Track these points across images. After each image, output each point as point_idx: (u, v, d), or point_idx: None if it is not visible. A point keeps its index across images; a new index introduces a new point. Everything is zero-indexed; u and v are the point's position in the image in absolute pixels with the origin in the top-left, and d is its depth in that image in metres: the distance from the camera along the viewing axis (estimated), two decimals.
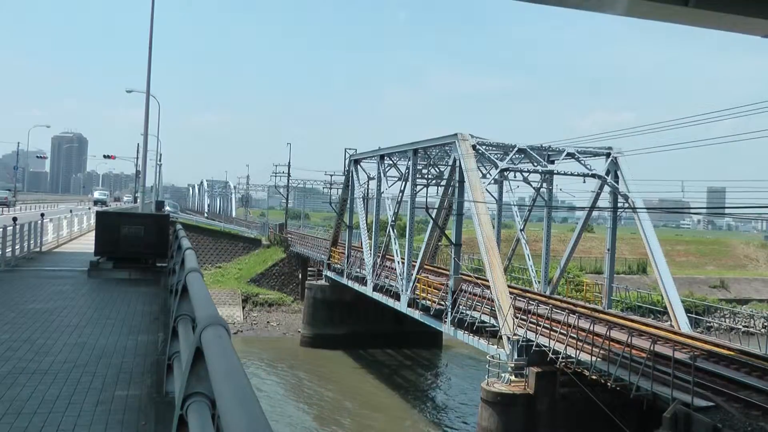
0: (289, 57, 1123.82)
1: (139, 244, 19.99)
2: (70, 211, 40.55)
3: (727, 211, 52.38)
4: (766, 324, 45.28)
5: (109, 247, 19.97)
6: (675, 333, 29.57)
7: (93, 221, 33.55)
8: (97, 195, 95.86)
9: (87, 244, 25.93)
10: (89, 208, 57.88)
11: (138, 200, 48.18)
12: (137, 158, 74.01)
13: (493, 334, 29.97)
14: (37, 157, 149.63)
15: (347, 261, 51.52)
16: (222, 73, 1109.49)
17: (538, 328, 27.22)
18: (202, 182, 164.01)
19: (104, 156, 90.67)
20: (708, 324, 39.90)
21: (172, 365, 6.99)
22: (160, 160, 78.83)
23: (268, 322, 59.94)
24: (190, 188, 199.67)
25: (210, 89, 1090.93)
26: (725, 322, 53.31)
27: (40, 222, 26.41)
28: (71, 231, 35.30)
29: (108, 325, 11.53)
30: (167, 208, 70.40)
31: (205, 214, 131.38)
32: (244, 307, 60.84)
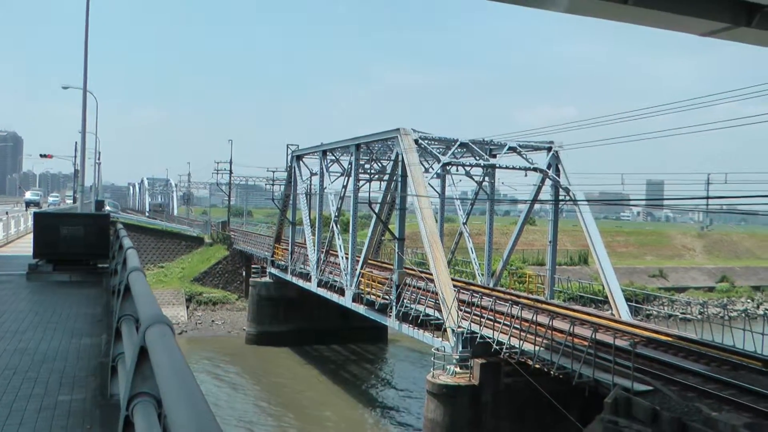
0: (228, 51, 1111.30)
1: (80, 245, 19.55)
2: (6, 213, 39.52)
3: (665, 203, 53.64)
4: (702, 310, 46.54)
5: (49, 248, 19.47)
6: (616, 321, 30.26)
7: (31, 223, 32.78)
8: (28, 196, 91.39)
9: (25, 246, 25.35)
10: (26, 209, 56.47)
11: (77, 200, 47.13)
12: (75, 157, 72.40)
13: (438, 327, 30.14)
14: None
15: (291, 257, 51.36)
16: (161, 67, 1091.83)
17: (481, 320, 27.48)
18: (142, 180, 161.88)
19: (41, 155, 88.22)
20: (647, 312, 40.81)
21: (116, 367, 6.94)
22: (99, 159, 77.33)
23: (212, 321, 59.29)
24: (131, 187, 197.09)
25: (149, 83, 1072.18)
26: (664, 309, 54.70)
27: None
28: (8, 234, 34.43)
29: (49, 329, 11.30)
30: (107, 207, 69.02)
31: (147, 213, 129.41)
32: (188, 307, 60.04)
